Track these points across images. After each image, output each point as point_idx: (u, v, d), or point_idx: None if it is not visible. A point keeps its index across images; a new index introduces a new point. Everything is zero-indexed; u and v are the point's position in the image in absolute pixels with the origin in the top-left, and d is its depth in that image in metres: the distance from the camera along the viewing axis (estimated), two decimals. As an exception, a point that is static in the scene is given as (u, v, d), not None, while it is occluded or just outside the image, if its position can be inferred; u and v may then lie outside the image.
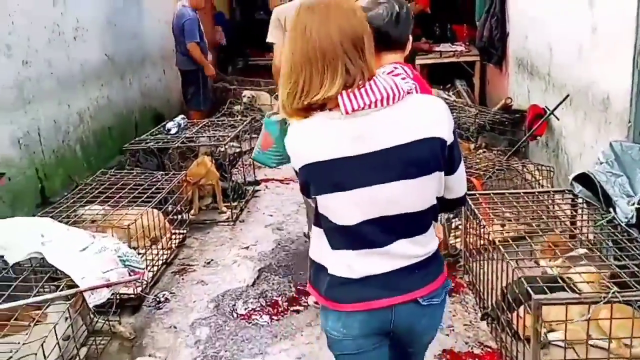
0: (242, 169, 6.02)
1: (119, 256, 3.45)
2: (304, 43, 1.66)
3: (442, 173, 1.76)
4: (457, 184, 1.85)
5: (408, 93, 1.70)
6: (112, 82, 7.48)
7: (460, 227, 4.00)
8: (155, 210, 4.55)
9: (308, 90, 1.66)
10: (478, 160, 4.96)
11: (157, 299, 3.94)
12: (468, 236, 3.78)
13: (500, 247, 3.09)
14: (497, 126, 6.02)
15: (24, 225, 3.61)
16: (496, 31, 7.00)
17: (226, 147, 5.65)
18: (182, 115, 6.01)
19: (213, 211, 5.50)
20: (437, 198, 1.80)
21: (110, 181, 4.77)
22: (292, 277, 4.23)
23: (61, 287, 3.28)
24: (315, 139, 1.71)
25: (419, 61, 8.27)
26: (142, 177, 4.86)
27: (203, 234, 5.04)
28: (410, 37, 2.33)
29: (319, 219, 1.84)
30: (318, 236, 1.87)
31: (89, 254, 3.41)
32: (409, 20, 2.29)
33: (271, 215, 5.41)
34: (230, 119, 7.63)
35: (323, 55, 1.64)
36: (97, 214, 4.32)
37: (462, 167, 1.84)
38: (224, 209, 5.42)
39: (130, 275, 3.45)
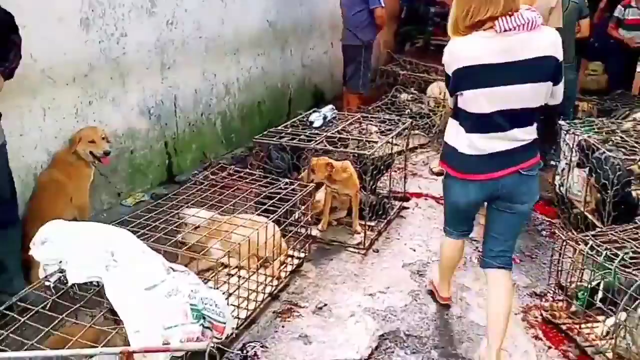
0: (389, 177, 4.92)
1: (192, 305, 2.59)
2: None
3: (552, 83, 2.58)
4: (558, 92, 2.65)
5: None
6: (270, 52, 6.73)
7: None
8: (274, 226, 3.66)
9: (475, 14, 2.51)
10: None
11: (244, 354, 3.06)
12: None
13: None
14: None
15: (97, 234, 2.87)
16: None
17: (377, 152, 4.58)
18: (332, 106, 5.02)
19: (344, 230, 4.50)
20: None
21: (226, 181, 3.94)
22: (425, 358, 3.11)
23: (113, 333, 2.51)
24: (472, 49, 2.55)
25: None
26: (265, 181, 3.97)
27: (325, 260, 4.07)
28: None
29: (456, 113, 2.72)
30: (454, 126, 2.75)
31: (156, 296, 2.58)
32: None
33: (414, 250, 4.28)
34: (390, 112, 6.54)
35: None
36: (203, 220, 3.53)
37: (562, 82, 2.62)
38: (358, 228, 4.39)
39: (203, 333, 2.59)
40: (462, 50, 2.56)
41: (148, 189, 4.99)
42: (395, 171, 5.26)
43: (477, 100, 2.58)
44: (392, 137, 4.60)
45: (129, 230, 3.27)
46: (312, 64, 7.83)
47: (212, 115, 5.80)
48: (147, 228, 3.31)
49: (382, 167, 4.62)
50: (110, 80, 4.43)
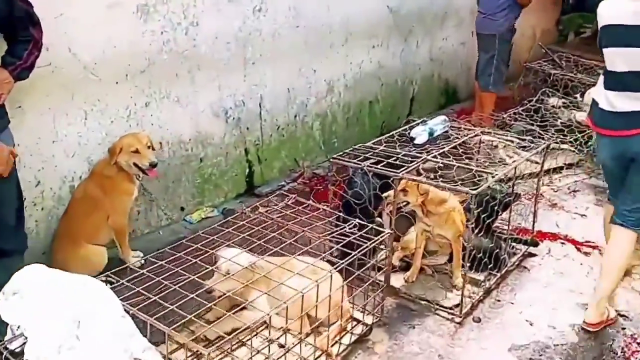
0: (514, 211, 3.77)
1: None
2: None
3: None
4: None
5: None
6: (389, 43, 5.75)
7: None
8: (338, 278, 2.78)
9: None
10: None
11: None
12: None
13: None
14: None
15: (72, 293, 2.20)
16: None
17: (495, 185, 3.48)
18: (444, 117, 3.94)
19: (440, 282, 3.46)
20: None
21: (284, 213, 3.10)
22: None
23: None
24: (611, 9, 2.83)
25: None
26: (328, 219, 3.08)
27: (403, 326, 3.08)
28: None
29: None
30: (600, 80, 2.98)
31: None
32: None
33: (531, 324, 3.13)
34: (532, 121, 5.24)
35: None
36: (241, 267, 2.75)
37: None
38: (459, 283, 3.32)
39: None
40: (603, 9, 2.87)
41: (221, 203, 4.33)
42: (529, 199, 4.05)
43: (612, 58, 2.86)
44: (514, 167, 3.44)
45: (147, 272, 2.63)
46: (443, 56, 6.68)
47: (309, 117, 4.99)
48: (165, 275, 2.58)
49: (499, 205, 3.47)
50: (175, 78, 3.79)
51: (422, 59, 6.35)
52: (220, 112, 4.16)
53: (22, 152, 3.06)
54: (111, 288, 2.32)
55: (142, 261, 3.49)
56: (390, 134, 3.87)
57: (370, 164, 3.38)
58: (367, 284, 2.91)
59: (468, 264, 3.18)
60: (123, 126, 3.52)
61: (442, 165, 3.38)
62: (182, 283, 2.52)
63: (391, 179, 3.22)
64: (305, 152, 5.03)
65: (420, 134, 3.76)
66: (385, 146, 3.65)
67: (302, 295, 2.54)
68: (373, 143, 3.69)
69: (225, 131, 4.24)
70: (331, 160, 3.47)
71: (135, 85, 3.56)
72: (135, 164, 3.32)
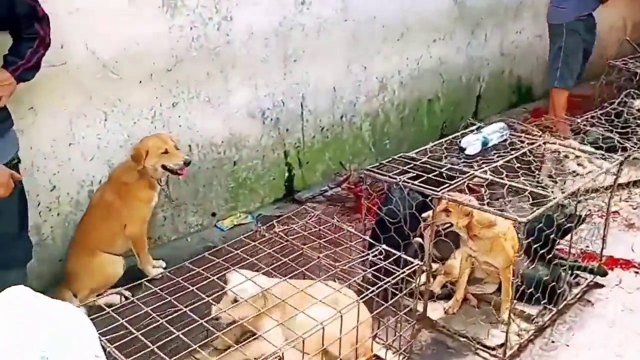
0: (580, 231, 3.27)
1: None
2: None
3: None
4: None
5: None
6: (453, 37, 5.28)
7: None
8: (363, 309, 2.46)
9: None
10: None
11: None
12: None
13: None
14: None
15: (45, 324, 1.99)
16: None
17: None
18: (502, 125, 3.48)
19: (484, 316, 3.04)
20: None
21: (302, 234, 2.78)
22: None
23: None
24: None
25: None
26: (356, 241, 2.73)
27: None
28: None
29: None
30: None
31: None
32: None
33: (589, 375, 2.68)
34: (612, 127, 4.61)
35: None
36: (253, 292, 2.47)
37: None
38: (505, 316, 2.88)
39: None
40: None
41: (256, 209, 4.08)
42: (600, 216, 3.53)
43: None
44: (579, 188, 2.95)
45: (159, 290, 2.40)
46: (516, 51, 6.11)
47: (358, 117, 4.64)
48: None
49: (557, 232, 2.99)
50: (206, 77, 3.55)
51: (491, 54, 5.81)
52: (256, 112, 3.89)
53: (35, 155, 2.92)
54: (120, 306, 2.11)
55: (164, 271, 3.30)
56: (439, 141, 3.45)
57: (409, 178, 2.99)
58: (399, 314, 2.52)
59: (519, 295, 2.75)
60: (147, 128, 3.31)
61: (494, 181, 2.95)
62: (192, 306, 2.26)
63: (429, 197, 2.83)
64: (352, 154, 4.69)
65: (472, 143, 3.32)
66: (429, 157, 3.25)
67: (323, 328, 2.22)
68: (416, 153, 3.29)
69: (262, 133, 3.97)
70: (364, 172, 3.11)
71: (161, 84, 3.34)
72: (164, 166, 3.11)
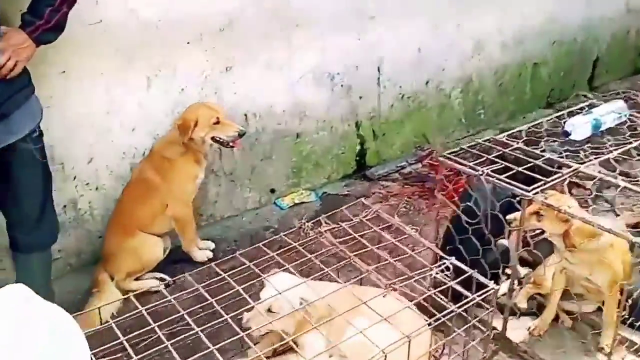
0: None
1: None
2: None
3: None
4: None
5: None
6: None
7: None
8: (426, 332, 2.00)
9: None
10: None
11: None
12: None
13: None
14: None
15: (27, 337, 1.72)
16: None
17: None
18: (621, 104, 2.78)
19: (578, 340, 2.47)
20: None
21: (364, 229, 2.31)
22: None
23: None
24: None
25: None
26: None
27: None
28: None
29: None
30: None
31: None
32: None
33: None
34: None
35: None
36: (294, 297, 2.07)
37: None
38: (606, 346, 2.30)
39: None
40: None
41: (322, 185, 3.66)
42: None
43: None
44: None
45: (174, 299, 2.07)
46: (649, 7, 5.13)
47: (446, 83, 4.03)
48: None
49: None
50: (264, 38, 3.11)
51: (615, 11, 4.90)
52: (324, 78, 3.42)
53: (68, 124, 2.65)
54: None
55: (211, 254, 3.00)
56: (538, 121, 2.82)
57: (494, 170, 2.42)
58: (469, 333, 2.03)
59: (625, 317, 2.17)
60: (196, 95, 2.96)
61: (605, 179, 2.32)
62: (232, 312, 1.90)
63: (517, 197, 2.26)
64: (438, 126, 4.11)
65: (579, 126, 2.68)
66: (524, 142, 2.65)
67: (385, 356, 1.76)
68: (507, 136, 2.69)
69: (330, 101, 3.50)
70: (440, 159, 2.57)
71: (212, 46, 2.95)
72: (214, 138, 2.77)
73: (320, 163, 3.61)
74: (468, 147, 2.61)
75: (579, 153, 2.58)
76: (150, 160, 2.81)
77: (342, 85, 3.52)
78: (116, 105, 2.76)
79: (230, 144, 2.83)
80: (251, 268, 2.08)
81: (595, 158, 2.43)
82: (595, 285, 2.38)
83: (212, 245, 3.09)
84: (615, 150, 2.50)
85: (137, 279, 2.81)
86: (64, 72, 2.57)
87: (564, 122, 2.72)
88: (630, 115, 2.81)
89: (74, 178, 2.75)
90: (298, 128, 3.44)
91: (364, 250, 2.17)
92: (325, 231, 2.21)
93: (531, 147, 2.63)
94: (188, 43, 2.88)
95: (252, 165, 3.33)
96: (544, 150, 2.58)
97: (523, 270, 2.81)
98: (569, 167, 2.37)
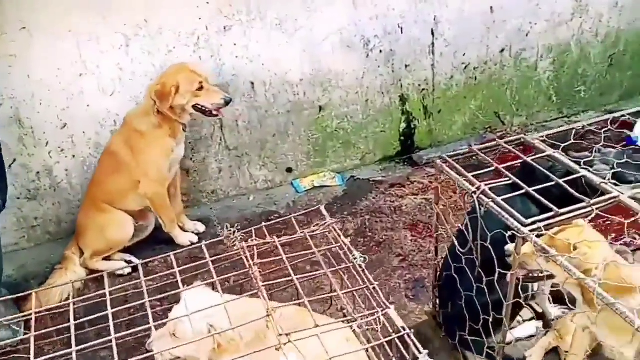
0: None
1: None
2: None
3: None
4: None
5: None
6: None
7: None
8: None
9: None
10: None
11: None
12: None
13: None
14: None
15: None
16: None
17: None
18: None
19: None
20: None
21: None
22: None
23: None
24: None
25: None
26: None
27: None
28: None
29: None
30: None
31: None
32: None
33: None
34: None
35: None
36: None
37: None
38: None
39: None
40: None
41: (353, 167, 3.14)
42: None
43: None
44: None
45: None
46: None
47: (531, 51, 3.22)
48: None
49: None
50: (274, -11, 2.61)
51: None
52: (355, 41, 2.84)
53: (35, 85, 2.41)
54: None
55: (195, 238, 2.67)
56: (598, 119, 2.05)
57: (506, 185, 1.77)
58: None
59: None
60: (186, 58, 2.56)
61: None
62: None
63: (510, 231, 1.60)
64: (518, 104, 3.33)
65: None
66: (567, 147, 1.93)
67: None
68: (546, 136, 1.98)
69: (364, 69, 2.92)
70: (435, 162, 1.95)
71: (206, 1, 2.52)
72: (196, 106, 2.40)
73: (351, 141, 3.08)
74: (483, 147, 1.96)
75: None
76: (121, 132, 2.51)
77: (380, 51, 2.91)
78: (90, 67, 2.46)
79: (215, 112, 2.44)
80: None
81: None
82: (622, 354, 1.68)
83: (202, 228, 2.76)
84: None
85: (107, 259, 2.57)
86: (25, 28, 2.31)
87: (634, 124, 1.92)
88: None
89: (47, 144, 2.54)
90: (321, 100, 2.92)
91: (286, 278, 1.67)
92: (248, 247, 1.74)
93: (578, 154, 1.92)
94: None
95: (261, 140, 2.90)
96: (590, 161, 1.85)
97: (554, 311, 2.14)
98: (607, 191, 1.65)
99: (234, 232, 1.77)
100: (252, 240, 1.74)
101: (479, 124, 3.31)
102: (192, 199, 2.90)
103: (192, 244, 2.62)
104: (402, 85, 3.04)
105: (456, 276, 1.93)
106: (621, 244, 2.25)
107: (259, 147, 2.91)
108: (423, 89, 3.09)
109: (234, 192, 2.97)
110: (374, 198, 2.94)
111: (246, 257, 1.71)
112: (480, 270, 1.78)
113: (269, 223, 1.86)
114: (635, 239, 2.33)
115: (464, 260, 1.85)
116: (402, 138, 3.18)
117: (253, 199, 2.99)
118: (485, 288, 1.76)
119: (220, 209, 2.93)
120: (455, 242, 1.90)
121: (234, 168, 2.92)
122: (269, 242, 1.74)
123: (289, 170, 3.03)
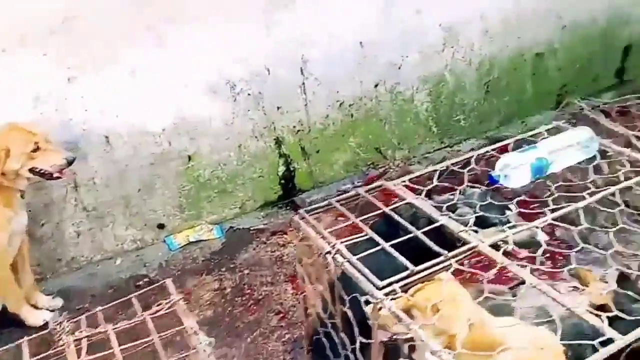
0: None
1: None
2: None
3: None
4: None
5: None
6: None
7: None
8: None
9: None
10: None
11: None
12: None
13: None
14: None
15: None
16: None
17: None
18: (587, 134, 1.86)
19: None
20: None
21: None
22: None
23: None
24: None
25: None
26: None
27: None
28: None
29: None
30: None
31: None
32: None
33: None
34: None
35: None
36: None
37: None
38: None
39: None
40: None
41: (233, 217, 2.94)
42: None
43: None
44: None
45: None
46: None
47: (406, 84, 3.17)
48: None
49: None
50: (126, 36, 2.39)
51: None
52: (220, 86, 2.67)
53: None
54: None
55: (49, 315, 2.36)
56: (464, 156, 1.97)
57: (357, 243, 1.63)
58: None
59: None
60: (25, 116, 2.29)
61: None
62: None
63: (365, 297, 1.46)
64: (399, 137, 3.27)
65: (514, 168, 1.81)
66: (431, 189, 1.83)
67: None
68: (409, 180, 1.88)
69: (233, 113, 2.76)
70: (293, 219, 1.80)
71: (42, 53, 2.26)
72: (34, 170, 2.12)
73: (227, 189, 2.89)
74: (339, 199, 1.82)
75: (505, 212, 1.73)
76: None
77: (248, 94, 2.75)
78: None
79: (56, 174, 2.18)
80: None
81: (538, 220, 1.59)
82: None
83: (59, 304, 2.45)
84: (555, 211, 1.63)
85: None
86: None
87: (496, 162, 1.85)
88: (602, 146, 1.90)
89: None
90: (189, 149, 2.72)
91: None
92: (75, 341, 1.49)
93: (441, 197, 1.82)
94: (3, 51, 2.20)
95: (124, 196, 2.64)
96: (453, 205, 1.75)
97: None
98: (466, 241, 1.55)
99: (60, 322, 1.52)
100: (80, 332, 1.51)
101: (360, 161, 3.22)
102: (48, 269, 2.59)
103: (46, 322, 2.32)
104: (275, 128, 2.89)
105: (325, 340, 1.77)
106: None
107: (123, 204, 2.66)
108: (298, 130, 2.96)
109: (97, 256, 2.69)
110: (254, 249, 2.76)
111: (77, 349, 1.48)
112: (343, 335, 1.62)
113: (126, 298, 1.63)
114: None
115: (329, 325, 1.70)
116: (283, 181, 3.03)
117: (120, 262, 2.72)
118: (351, 355, 1.61)
119: (81, 277, 2.63)
120: (319, 305, 1.74)
121: (95, 230, 2.64)
122: (100, 332, 1.51)
123: (161, 226, 2.80)
